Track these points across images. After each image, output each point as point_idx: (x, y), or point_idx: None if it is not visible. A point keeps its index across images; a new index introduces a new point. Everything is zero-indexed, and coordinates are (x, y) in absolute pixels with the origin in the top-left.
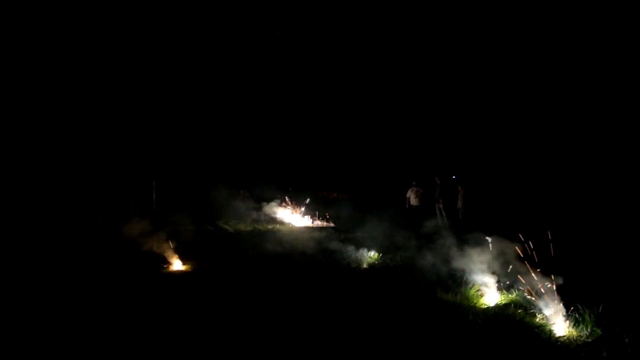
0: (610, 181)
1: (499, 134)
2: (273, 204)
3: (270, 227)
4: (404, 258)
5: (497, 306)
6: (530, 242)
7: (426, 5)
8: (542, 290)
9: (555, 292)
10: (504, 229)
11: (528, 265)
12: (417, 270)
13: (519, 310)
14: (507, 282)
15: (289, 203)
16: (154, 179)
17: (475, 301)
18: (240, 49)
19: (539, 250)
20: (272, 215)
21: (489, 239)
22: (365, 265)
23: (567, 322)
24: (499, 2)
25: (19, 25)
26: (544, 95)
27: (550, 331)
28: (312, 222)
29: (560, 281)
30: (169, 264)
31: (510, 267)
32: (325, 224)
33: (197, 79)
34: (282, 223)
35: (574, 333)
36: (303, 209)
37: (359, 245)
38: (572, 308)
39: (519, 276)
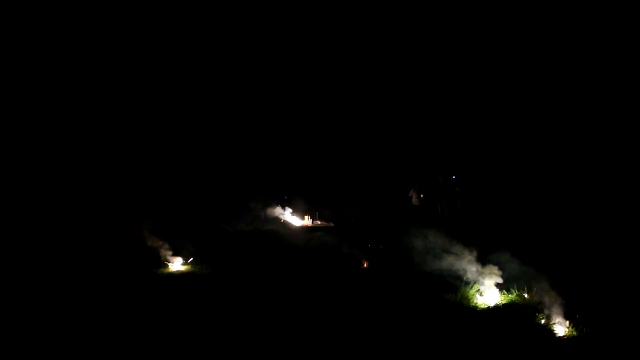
0: (610, 181)
1: (499, 134)
2: (273, 203)
3: (270, 227)
4: (403, 258)
5: (497, 306)
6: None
7: (426, 5)
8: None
9: (556, 291)
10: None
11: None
12: (417, 270)
13: (519, 310)
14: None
15: (289, 203)
16: (154, 179)
17: (475, 301)
18: (240, 49)
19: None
20: (272, 215)
21: None
22: (365, 265)
23: (567, 321)
24: (499, 2)
25: (19, 26)
26: (544, 95)
27: (551, 330)
28: (312, 222)
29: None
30: (169, 264)
31: None
32: (325, 223)
33: (197, 79)
34: (282, 223)
35: (574, 332)
36: (303, 208)
37: (359, 245)
38: (572, 308)
39: None
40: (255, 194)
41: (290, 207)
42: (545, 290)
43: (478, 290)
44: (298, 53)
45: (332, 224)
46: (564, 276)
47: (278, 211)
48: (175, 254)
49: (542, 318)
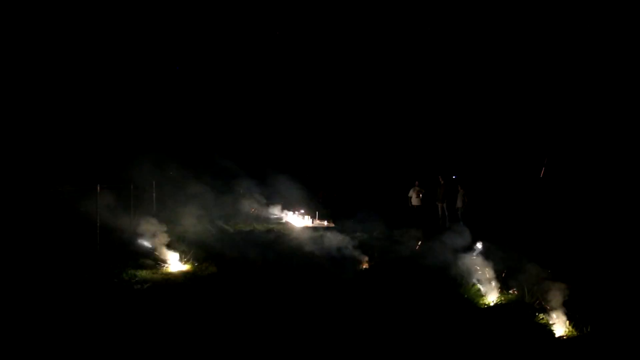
0: (609, 181)
1: (499, 134)
2: (273, 204)
3: (270, 227)
4: (403, 258)
5: (497, 305)
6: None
7: (426, 5)
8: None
9: (557, 291)
10: (502, 228)
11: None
12: (417, 270)
13: (519, 310)
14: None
15: (290, 203)
16: (154, 179)
17: (475, 300)
18: (240, 49)
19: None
20: (273, 215)
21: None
22: (365, 266)
23: (567, 321)
24: (499, 2)
25: (19, 25)
26: (544, 95)
27: (551, 330)
28: (313, 222)
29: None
30: (168, 264)
31: None
32: (325, 223)
33: (197, 79)
34: (282, 223)
35: (574, 332)
36: (303, 209)
37: (359, 245)
38: (573, 307)
39: None
40: (257, 194)
41: (290, 207)
42: (546, 290)
43: (478, 289)
44: (298, 53)
45: (332, 224)
46: (565, 275)
47: (278, 211)
48: (175, 254)
49: (542, 318)
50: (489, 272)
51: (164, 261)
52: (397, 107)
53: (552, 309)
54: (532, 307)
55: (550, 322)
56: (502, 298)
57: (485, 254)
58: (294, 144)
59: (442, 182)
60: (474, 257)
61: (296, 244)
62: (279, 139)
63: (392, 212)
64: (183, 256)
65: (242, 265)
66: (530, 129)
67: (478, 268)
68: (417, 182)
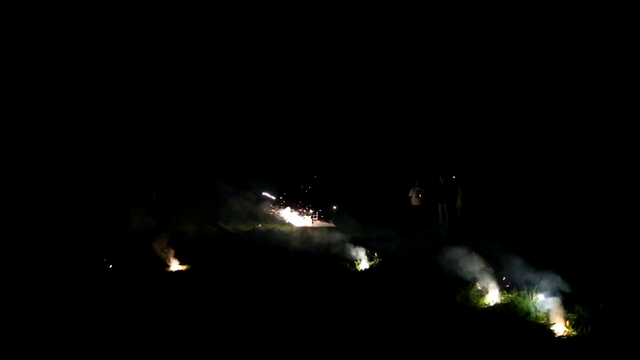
0: (609, 181)
1: (499, 134)
2: (273, 204)
3: (270, 227)
4: (403, 258)
5: (497, 305)
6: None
7: (426, 5)
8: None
9: (556, 291)
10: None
11: None
12: (417, 271)
13: (519, 310)
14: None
15: (289, 203)
16: (154, 179)
17: (475, 301)
18: (240, 49)
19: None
20: (273, 215)
21: None
22: (365, 266)
23: (567, 321)
24: (499, 2)
25: (19, 25)
26: (544, 95)
27: (551, 330)
28: (312, 222)
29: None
30: (168, 264)
31: None
32: (325, 224)
33: (197, 79)
34: (282, 223)
35: (573, 332)
36: (304, 209)
37: (359, 245)
38: (573, 307)
39: None
40: (256, 194)
41: (290, 207)
42: (545, 290)
43: (478, 290)
44: (298, 53)
45: (332, 224)
46: (565, 275)
47: (278, 211)
48: (174, 254)
49: (542, 318)
50: (487, 272)
51: (164, 261)
52: (396, 107)
53: (553, 308)
54: (533, 306)
55: (550, 322)
56: (502, 298)
57: (484, 252)
58: (294, 143)
59: (442, 182)
60: (473, 257)
61: (296, 244)
62: (280, 139)
63: (392, 213)
64: (183, 257)
65: (241, 266)
66: (529, 129)
67: (477, 267)
68: (417, 182)
